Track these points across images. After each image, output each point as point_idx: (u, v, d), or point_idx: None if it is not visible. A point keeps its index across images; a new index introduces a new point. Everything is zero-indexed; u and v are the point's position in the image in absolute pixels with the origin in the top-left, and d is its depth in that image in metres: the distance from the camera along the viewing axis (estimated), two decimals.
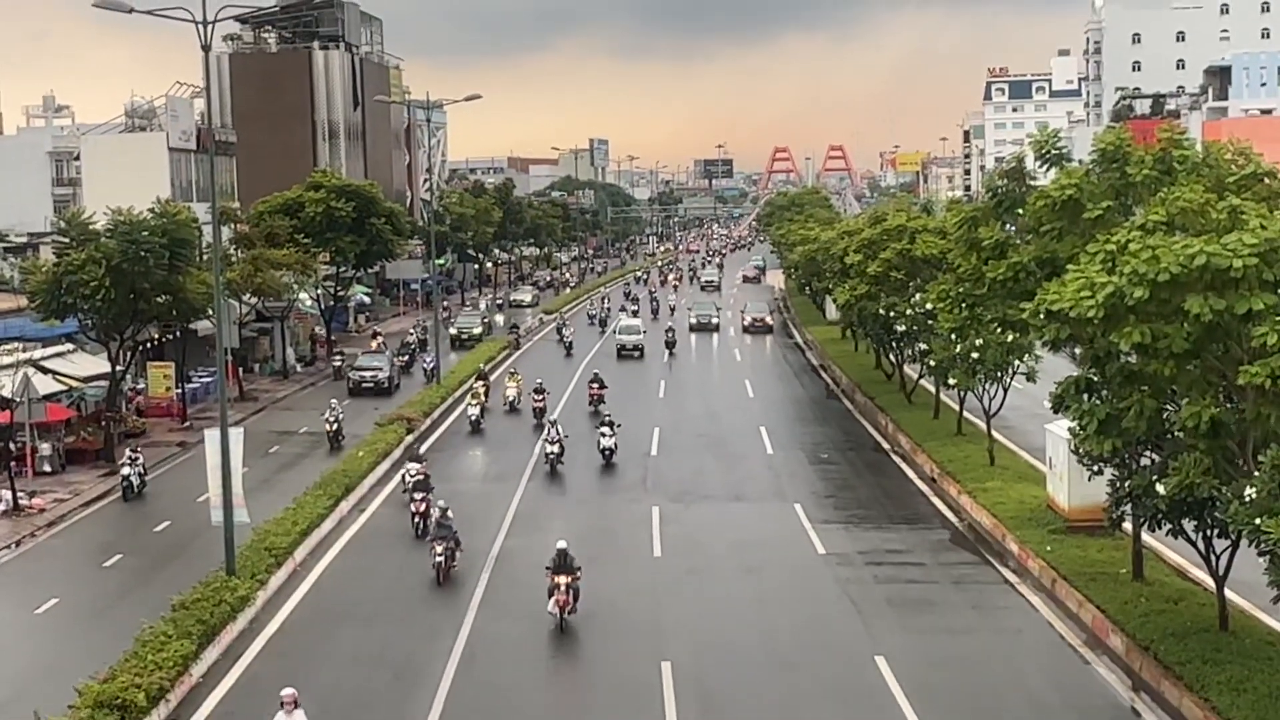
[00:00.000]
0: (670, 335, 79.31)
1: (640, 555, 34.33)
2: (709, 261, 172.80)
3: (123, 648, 24.87)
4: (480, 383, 56.26)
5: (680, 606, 29.90)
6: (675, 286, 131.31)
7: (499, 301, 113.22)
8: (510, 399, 56.31)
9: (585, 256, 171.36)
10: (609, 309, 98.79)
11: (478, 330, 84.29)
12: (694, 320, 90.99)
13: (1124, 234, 22.31)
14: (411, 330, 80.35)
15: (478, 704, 24.28)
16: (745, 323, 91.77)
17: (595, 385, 56.36)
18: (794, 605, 30.04)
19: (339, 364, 67.95)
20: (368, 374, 62.88)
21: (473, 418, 52.56)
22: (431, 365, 63.03)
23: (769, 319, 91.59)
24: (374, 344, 72.34)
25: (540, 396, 53.66)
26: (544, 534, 34.55)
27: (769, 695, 24.64)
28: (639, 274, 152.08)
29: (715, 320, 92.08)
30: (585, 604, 28.97)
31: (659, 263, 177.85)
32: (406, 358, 71.01)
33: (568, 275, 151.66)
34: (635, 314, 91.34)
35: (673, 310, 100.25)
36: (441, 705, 23.99)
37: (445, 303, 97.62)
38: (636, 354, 75.02)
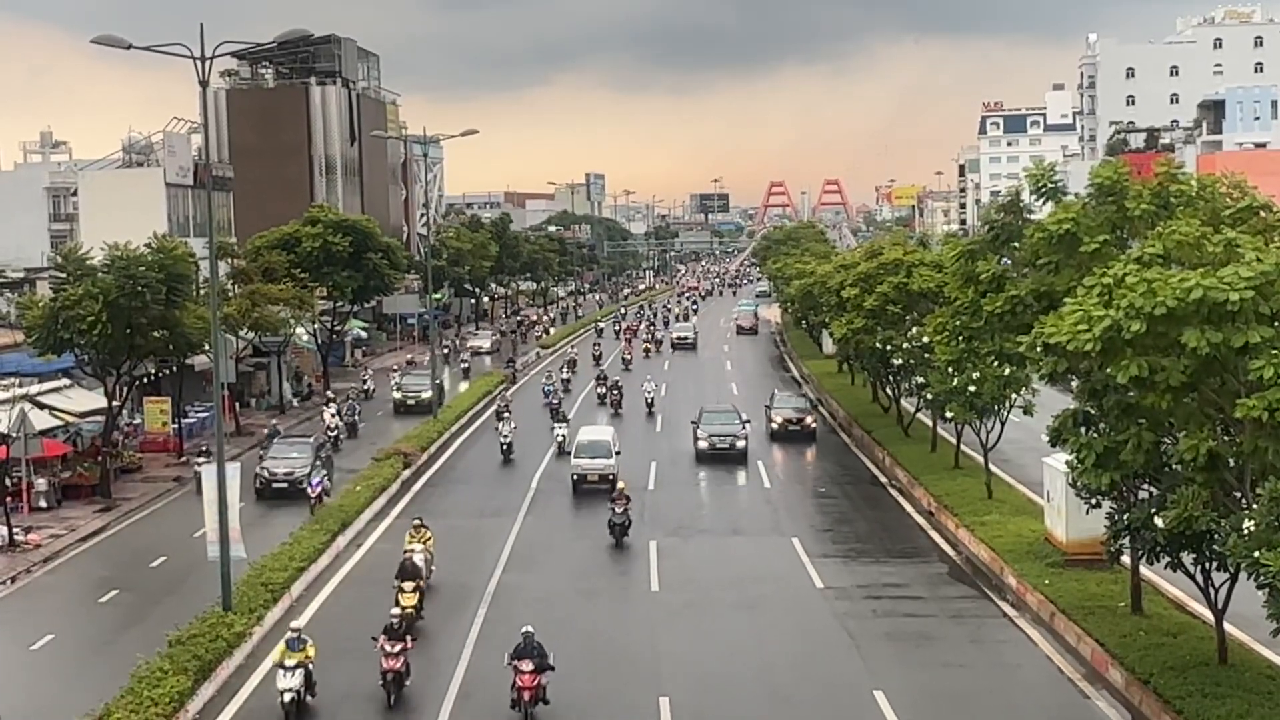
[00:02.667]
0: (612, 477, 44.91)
1: (638, 589, 34.24)
2: (684, 308, 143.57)
3: (119, 684, 24.78)
4: (415, 532, 34.60)
5: (678, 641, 29.79)
6: (647, 350, 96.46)
7: (454, 350, 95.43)
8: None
9: (580, 290, 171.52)
10: (569, 381, 76.37)
11: (426, 394, 65.83)
12: (704, 445, 52.96)
13: (1120, 267, 22.34)
14: (343, 401, 62.95)
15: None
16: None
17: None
18: (792, 640, 29.95)
19: (334, 406, 60.72)
20: (280, 471, 46.03)
21: (394, 620, 26.97)
22: (319, 488, 42.93)
23: (809, 420, 59.00)
24: (326, 414, 58.85)
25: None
26: (540, 570, 34.38)
27: None
28: (603, 322, 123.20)
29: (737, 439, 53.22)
30: (583, 639, 28.92)
31: (624, 310, 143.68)
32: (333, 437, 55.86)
33: (538, 315, 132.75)
34: (608, 398, 68.63)
35: (650, 405, 66.91)
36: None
37: (443, 337, 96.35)
38: (604, 486, 44.10)
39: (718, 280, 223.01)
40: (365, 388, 73.99)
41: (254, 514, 41.32)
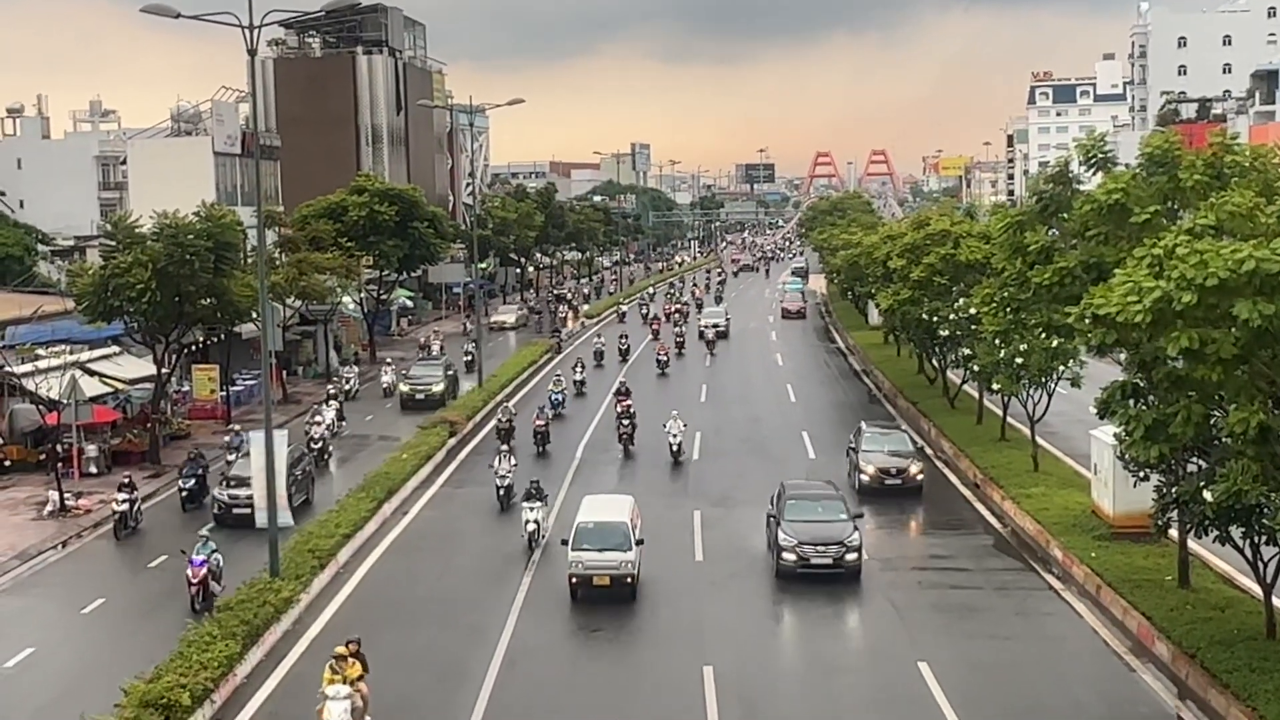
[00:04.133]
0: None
1: (682, 559, 34.26)
2: (712, 289, 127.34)
3: (168, 648, 25.07)
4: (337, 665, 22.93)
5: (722, 611, 29.83)
6: (678, 344, 79.43)
7: (471, 331, 78.16)
8: None
9: (624, 260, 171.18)
10: (580, 379, 63.47)
11: (438, 387, 59.69)
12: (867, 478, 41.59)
13: (1171, 238, 22.09)
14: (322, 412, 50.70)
15: (521, 704, 24.32)
16: None
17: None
18: (836, 609, 29.93)
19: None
20: (243, 494, 36.60)
21: None
22: (202, 569, 29.99)
23: (913, 469, 41.71)
24: (324, 409, 51.53)
25: None
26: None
27: (810, 700, 24.60)
28: (625, 305, 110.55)
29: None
30: (627, 609, 29.08)
31: (652, 290, 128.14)
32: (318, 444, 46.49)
33: (570, 290, 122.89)
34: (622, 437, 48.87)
35: (676, 454, 46.58)
36: (484, 707, 24.03)
37: (487, 306, 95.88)
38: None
39: (756, 256, 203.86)
40: (347, 387, 62.04)
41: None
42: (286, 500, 32.04)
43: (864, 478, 41.03)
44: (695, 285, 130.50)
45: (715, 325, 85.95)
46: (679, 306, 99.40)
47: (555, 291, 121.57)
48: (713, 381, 56.48)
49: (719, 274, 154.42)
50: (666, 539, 35.92)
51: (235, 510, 36.99)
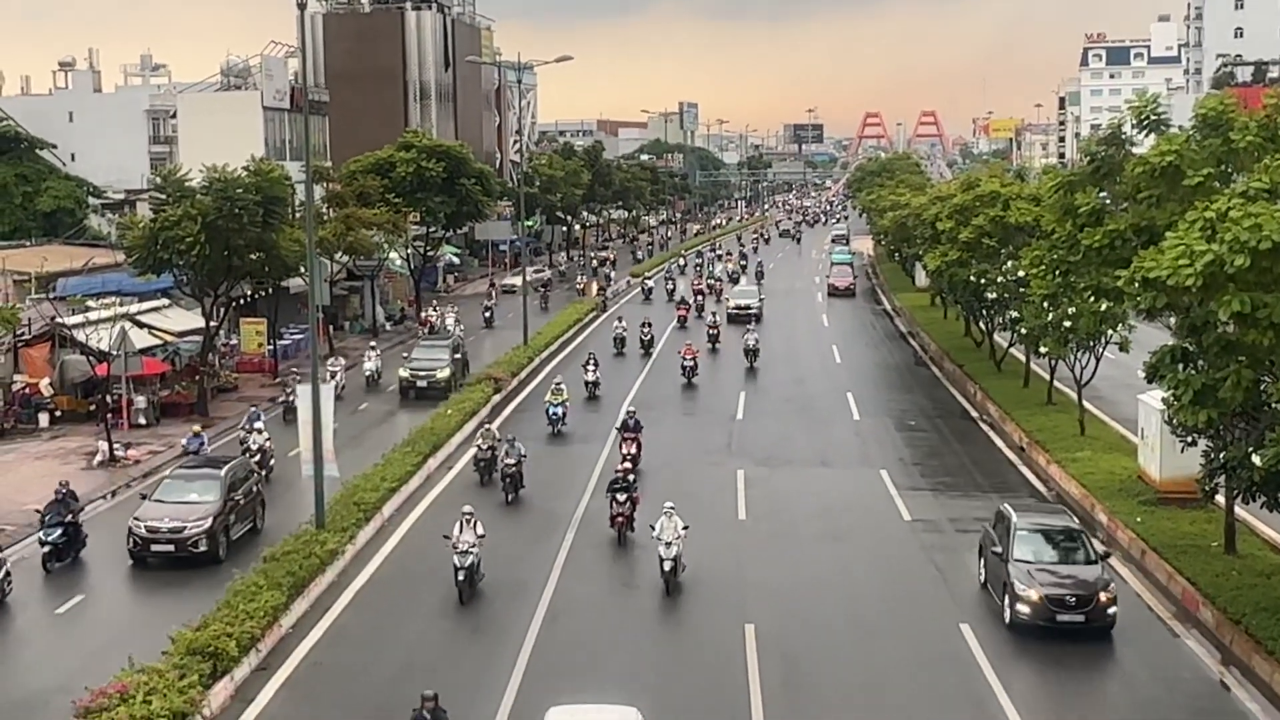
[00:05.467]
0: None
1: (725, 518, 34.32)
2: (751, 265, 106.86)
3: (215, 597, 25.36)
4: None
5: (764, 570, 29.88)
6: (711, 337, 65.02)
7: (490, 298, 78.43)
8: None
9: (671, 220, 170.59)
10: (593, 378, 51.12)
11: (444, 373, 51.26)
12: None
13: (1225, 201, 21.85)
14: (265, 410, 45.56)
15: (563, 660, 24.44)
16: None
17: None
18: (878, 571, 29.94)
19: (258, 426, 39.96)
20: (165, 526, 30.20)
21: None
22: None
23: (1105, 595, 25.84)
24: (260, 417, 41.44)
25: None
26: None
27: (852, 660, 24.64)
28: (651, 278, 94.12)
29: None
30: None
31: (683, 260, 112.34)
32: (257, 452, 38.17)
33: (612, 252, 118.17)
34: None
35: (668, 579, 28.58)
36: (525, 663, 24.19)
37: (534, 264, 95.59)
38: None
39: (796, 221, 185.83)
40: (286, 398, 46.22)
41: (348, 433, 41.75)
42: (333, 454, 32.18)
43: (1023, 610, 25.45)
44: (728, 255, 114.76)
45: (746, 308, 74.27)
46: (711, 283, 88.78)
47: (597, 254, 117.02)
48: (752, 393, 50.84)
49: (764, 237, 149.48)
50: (709, 498, 36.04)
51: (156, 546, 30.12)
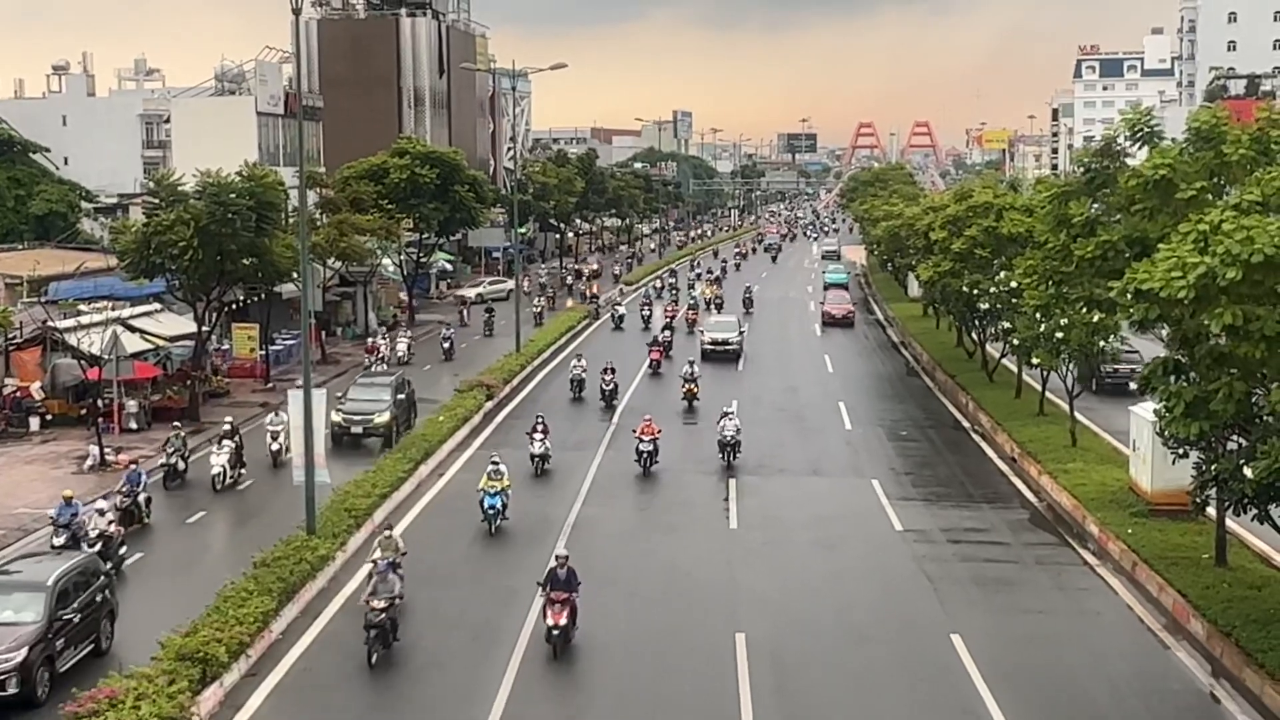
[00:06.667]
0: None
1: (717, 527, 34.31)
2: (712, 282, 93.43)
3: (205, 602, 25.27)
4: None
5: (755, 579, 29.87)
6: (687, 396, 51.45)
7: (460, 321, 73.98)
8: None
9: (663, 229, 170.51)
10: (541, 450, 40.27)
11: (383, 417, 43.22)
12: None
13: (1217, 214, 21.90)
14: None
15: (550, 674, 24.38)
16: None
17: None
18: (869, 580, 29.93)
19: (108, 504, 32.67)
20: None
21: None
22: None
23: None
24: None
25: None
26: (621, 501, 34.57)
27: (843, 669, 24.61)
28: (622, 304, 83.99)
29: None
30: (662, 574, 29.11)
31: (659, 282, 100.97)
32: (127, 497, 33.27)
33: (596, 263, 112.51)
34: None
35: None
36: (517, 666, 24.15)
37: (526, 270, 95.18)
38: None
39: (783, 233, 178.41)
40: (167, 459, 38.48)
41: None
42: (324, 460, 32.11)
43: None
44: (709, 274, 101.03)
45: (724, 343, 63.45)
46: (689, 313, 78.71)
47: (576, 266, 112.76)
48: (744, 404, 47.15)
49: (747, 250, 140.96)
50: (701, 506, 36.04)
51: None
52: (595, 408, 50.86)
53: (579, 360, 54.58)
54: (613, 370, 51.85)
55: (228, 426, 39.08)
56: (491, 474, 33.52)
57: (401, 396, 45.54)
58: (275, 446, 40.13)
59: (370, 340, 63.37)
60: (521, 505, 34.89)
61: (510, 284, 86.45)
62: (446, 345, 63.68)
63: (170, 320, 52.43)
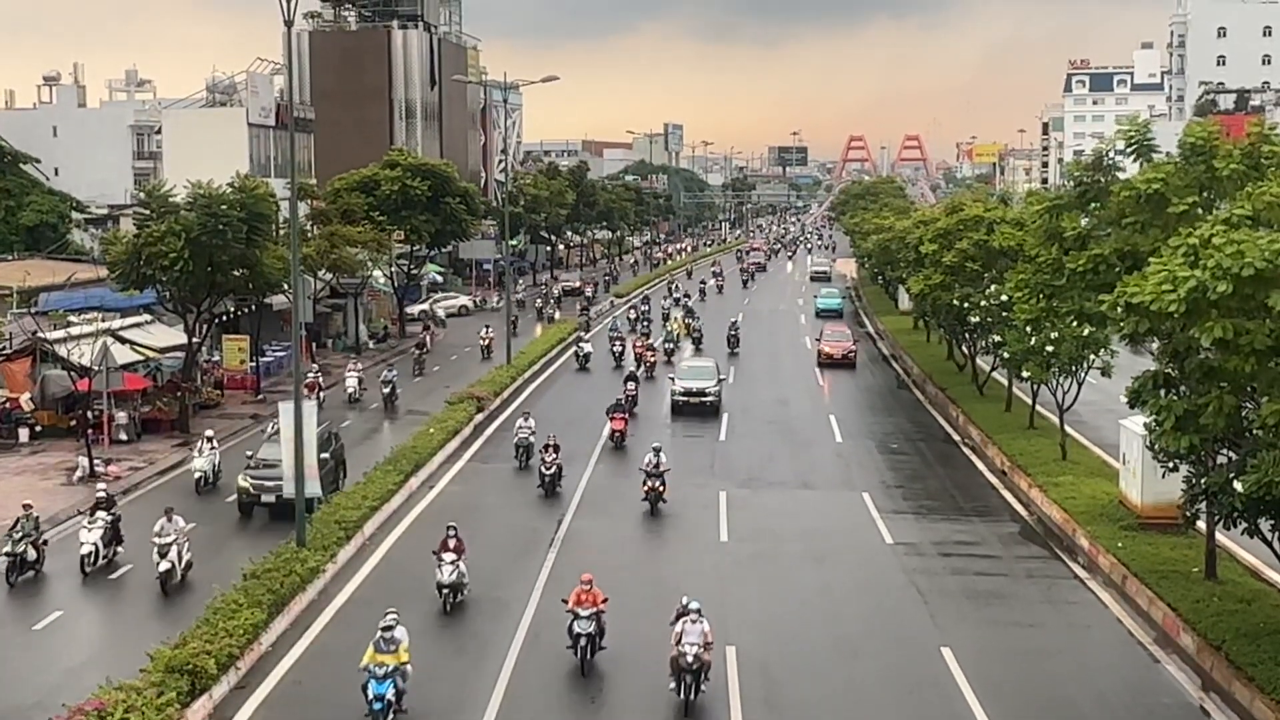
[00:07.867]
0: None
1: (707, 539, 34.28)
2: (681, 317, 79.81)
3: (195, 614, 25.22)
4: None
5: (745, 592, 29.85)
6: (651, 487, 36.79)
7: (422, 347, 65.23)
8: None
9: (655, 240, 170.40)
10: (451, 580, 28.33)
11: (310, 487, 31.98)
12: None
13: (1208, 228, 21.96)
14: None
15: (541, 679, 24.34)
16: None
17: None
18: (860, 593, 29.93)
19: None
20: None
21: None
22: None
23: None
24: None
25: None
26: (610, 515, 34.55)
27: (833, 682, 24.59)
28: (586, 339, 69.58)
29: None
30: (650, 587, 29.09)
31: (631, 312, 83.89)
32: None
33: (576, 281, 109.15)
34: None
35: None
36: (506, 683, 24.09)
37: (519, 283, 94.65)
38: None
39: (769, 250, 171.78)
40: (103, 499, 32.17)
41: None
42: (315, 472, 32.06)
43: None
44: (685, 298, 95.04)
45: (699, 393, 52.74)
46: (662, 347, 68.31)
47: (563, 284, 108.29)
48: (734, 420, 44.78)
49: (723, 270, 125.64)
50: (691, 519, 36.02)
51: None
52: (531, 495, 38.84)
53: (525, 420, 43.35)
54: (556, 448, 39.07)
55: (101, 494, 32.27)
56: (380, 642, 22.07)
57: (325, 455, 36.21)
58: (165, 566, 29.26)
59: (310, 376, 51.64)
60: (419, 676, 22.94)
61: (463, 299, 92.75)
62: (387, 390, 53.11)
63: (160, 331, 52.36)
